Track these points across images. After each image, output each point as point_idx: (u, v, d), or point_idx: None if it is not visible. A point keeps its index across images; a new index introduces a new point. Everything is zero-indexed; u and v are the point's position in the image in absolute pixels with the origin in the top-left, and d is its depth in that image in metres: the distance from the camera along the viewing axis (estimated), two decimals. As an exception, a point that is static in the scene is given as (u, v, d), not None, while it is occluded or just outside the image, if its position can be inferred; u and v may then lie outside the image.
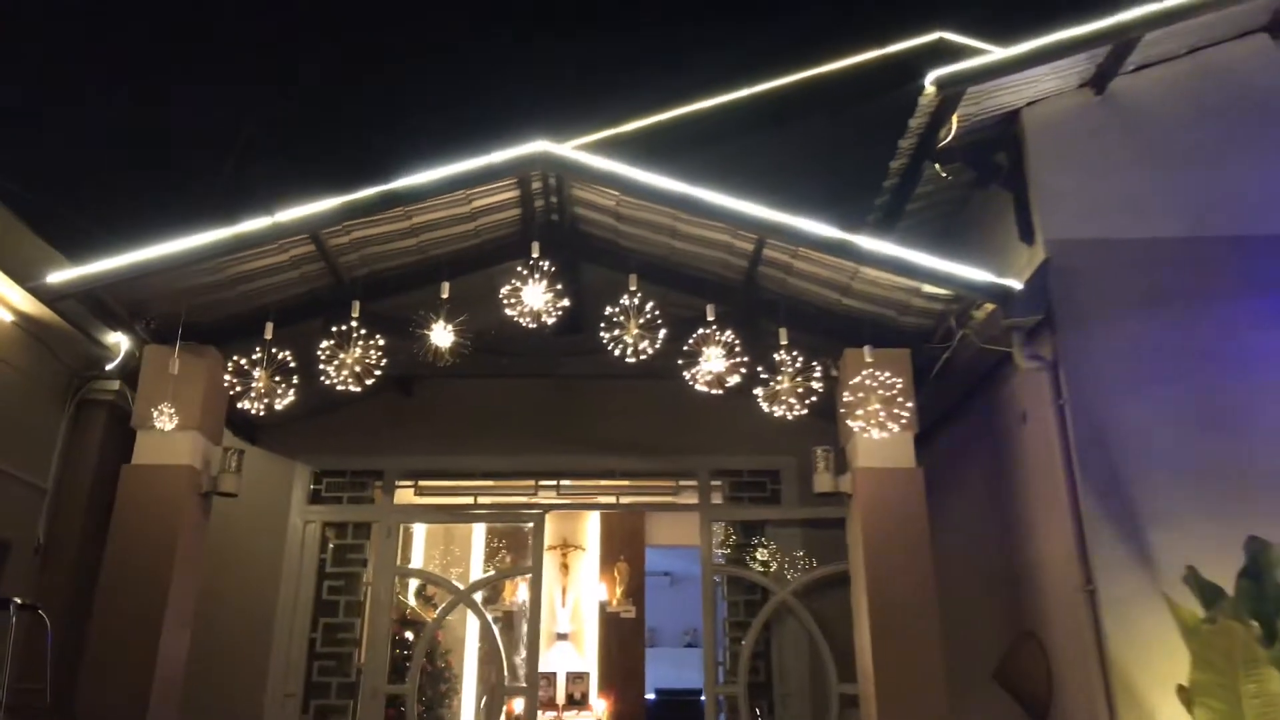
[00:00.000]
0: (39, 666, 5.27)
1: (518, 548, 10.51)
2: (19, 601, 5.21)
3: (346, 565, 7.42)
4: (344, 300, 6.06)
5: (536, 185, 5.90)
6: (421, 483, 7.76)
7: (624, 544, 11.38)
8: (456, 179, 5.44)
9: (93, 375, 7.11)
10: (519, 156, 5.47)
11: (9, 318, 6.38)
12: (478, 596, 8.38)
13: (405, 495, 7.78)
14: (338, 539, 7.48)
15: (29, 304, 6.30)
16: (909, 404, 5.57)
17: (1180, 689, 4.43)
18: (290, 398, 5.32)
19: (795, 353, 5.37)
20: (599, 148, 7.43)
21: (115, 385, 7.08)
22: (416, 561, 9.26)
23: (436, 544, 9.91)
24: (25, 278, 5.97)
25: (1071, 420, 5.31)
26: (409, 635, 8.26)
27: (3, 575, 6.52)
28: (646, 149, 7.83)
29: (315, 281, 6.07)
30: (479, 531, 10.37)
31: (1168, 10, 5.41)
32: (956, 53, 8.22)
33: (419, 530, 9.45)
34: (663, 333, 5.29)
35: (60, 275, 5.30)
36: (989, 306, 5.36)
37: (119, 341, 6.82)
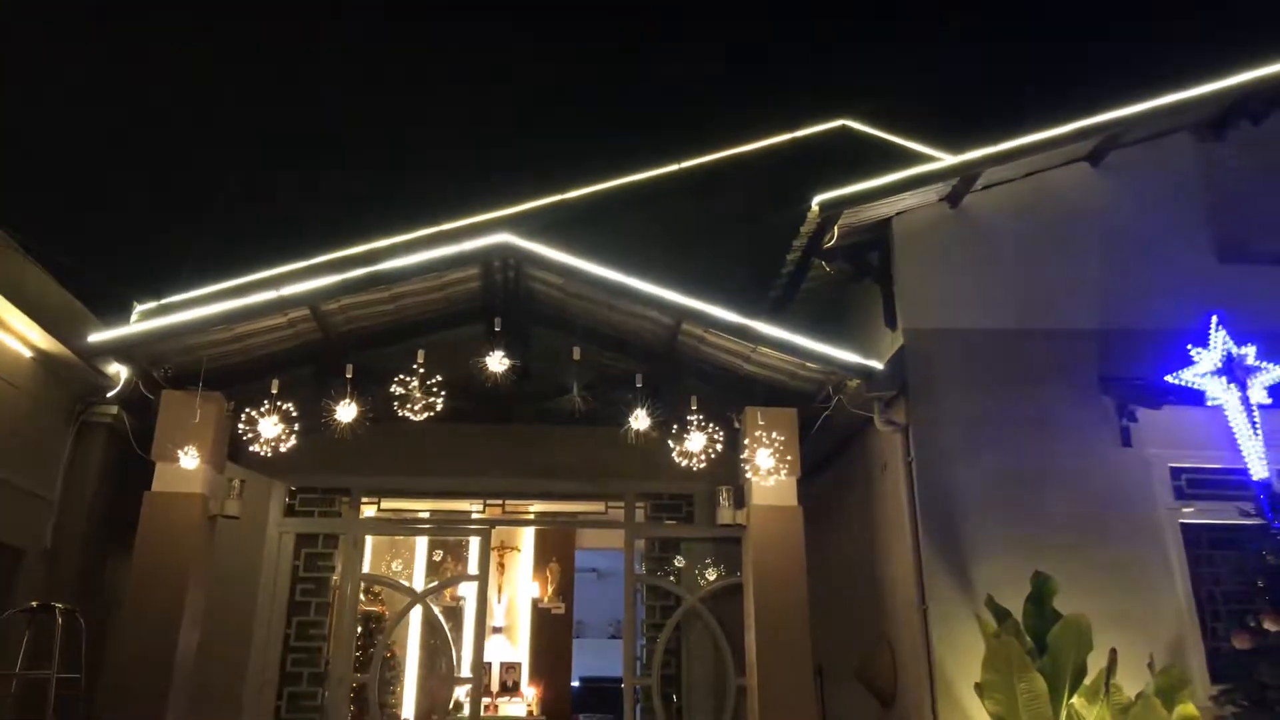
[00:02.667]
0: (74, 660, 6.39)
1: (456, 554, 11.72)
2: (61, 607, 6.34)
3: (317, 571, 8.45)
4: (330, 351, 7.26)
5: (497, 263, 7.12)
6: (383, 500, 8.89)
7: (556, 547, 12.46)
8: (433, 263, 6.65)
9: (94, 401, 8.07)
10: (486, 246, 6.71)
11: (29, 354, 7.38)
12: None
13: (367, 510, 8.88)
14: (309, 548, 8.53)
15: (45, 341, 7.30)
16: (793, 455, 6.95)
17: (977, 685, 5.89)
18: (292, 441, 6.46)
19: (703, 415, 6.73)
20: (550, 212, 8.60)
21: (114, 410, 8.04)
22: (366, 565, 10.34)
23: (384, 551, 10.98)
24: (39, 316, 6.98)
25: (916, 474, 6.76)
26: (357, 629, 9.37)
27: (17, 578, 7.49)
28: (592, 212, 9.05)
29: (306, 336, 7.19)
30: (421, 541, 11.46)
31: (1003, 152, 6.88)
32: (857, 139, 9.68)
33: (368, 538, 10.50)
34: (597, 394, 6.59)
35: (99, 336, 6.39)
36: (856, 381, 6.78)
37: (119, 371, 7.74)
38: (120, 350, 6.49)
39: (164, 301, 8.02)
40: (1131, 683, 5.81)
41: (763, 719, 6.76)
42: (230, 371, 7.12)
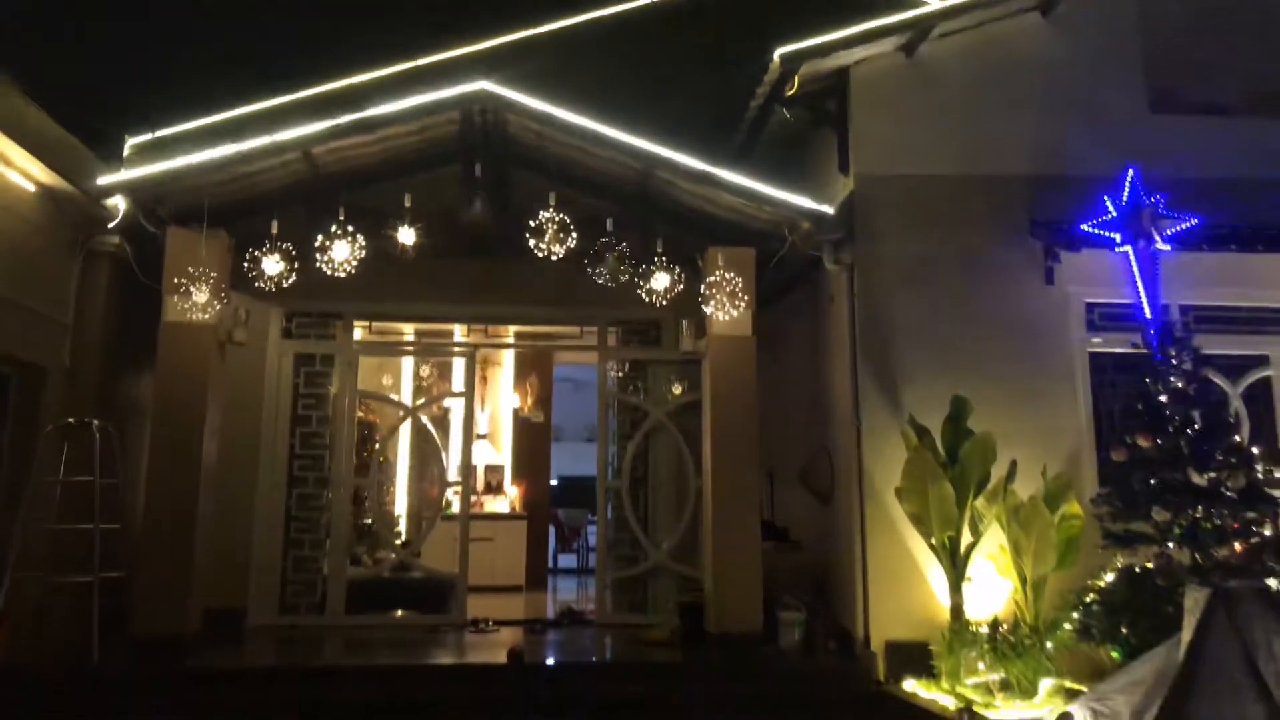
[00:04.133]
0: (109, 468, 7.26)
1: (442, 369, 12.60)
2: (97, 423, 7.14)
3: (316, 388, 9.16)
4: (321, 187, 7.78)
5: (476, 108, 7.52)
6: (374, 323, 9.59)
7: (535, 362, 13.29)
8: (415, 110, 7.09)
9: (96, 231, 8.54)
10: (465, 93, 7.12)
11: (32, 188, 7.80)
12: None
13: (358, 332, 9.57)
14: (307, 367, 9.25)
15: (47, 175, 7.70)
16: (749, 291, 7.67)
17: (897, 490, 6.92)
18: (292, 278, 7.09)
19: (669, 253, 7.39)
20: (526, 56, 8.81)
21: (116, 239, 8.53)
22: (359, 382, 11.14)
23: (374, 368, 11.76)
24: (39, 151, 7.37)
25: (858, 308, 7.53)
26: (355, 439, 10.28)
27: (43, 394, 8.23)
28: (567, 51, 9.25)
29: (299, 174, 7.67)
30: (408, 360, 12.28)
31: (955, 6, 7.23)
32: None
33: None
34: (573, 235, 7.19)
35: (107, 179, 6.89)
36: (809, 224, 7.42)
37: (117, 203, 8.20)
38: (126, 191, 6.98)
39: (159, 134, 8.33)
40: (1028, 488, 6.85)
41: (716, 514, 7.85)
42: (229, 208, 7.63)
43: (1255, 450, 6.51)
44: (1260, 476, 6.24)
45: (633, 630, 8.37)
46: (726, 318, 7.57)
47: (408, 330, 10.34)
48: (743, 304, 7.58)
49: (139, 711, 6.28)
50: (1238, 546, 5.96)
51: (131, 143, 8.59)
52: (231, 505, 8.43)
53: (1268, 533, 6.14)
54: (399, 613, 9.04)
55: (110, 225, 8.27)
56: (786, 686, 7.04)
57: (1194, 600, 5.30)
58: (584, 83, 8.14)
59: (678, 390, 9.22)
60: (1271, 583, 5.82)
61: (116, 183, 6.92)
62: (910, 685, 6.68)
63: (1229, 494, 6.07)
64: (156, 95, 8.93)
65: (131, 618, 7.07)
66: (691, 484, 8.92)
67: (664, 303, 7.52)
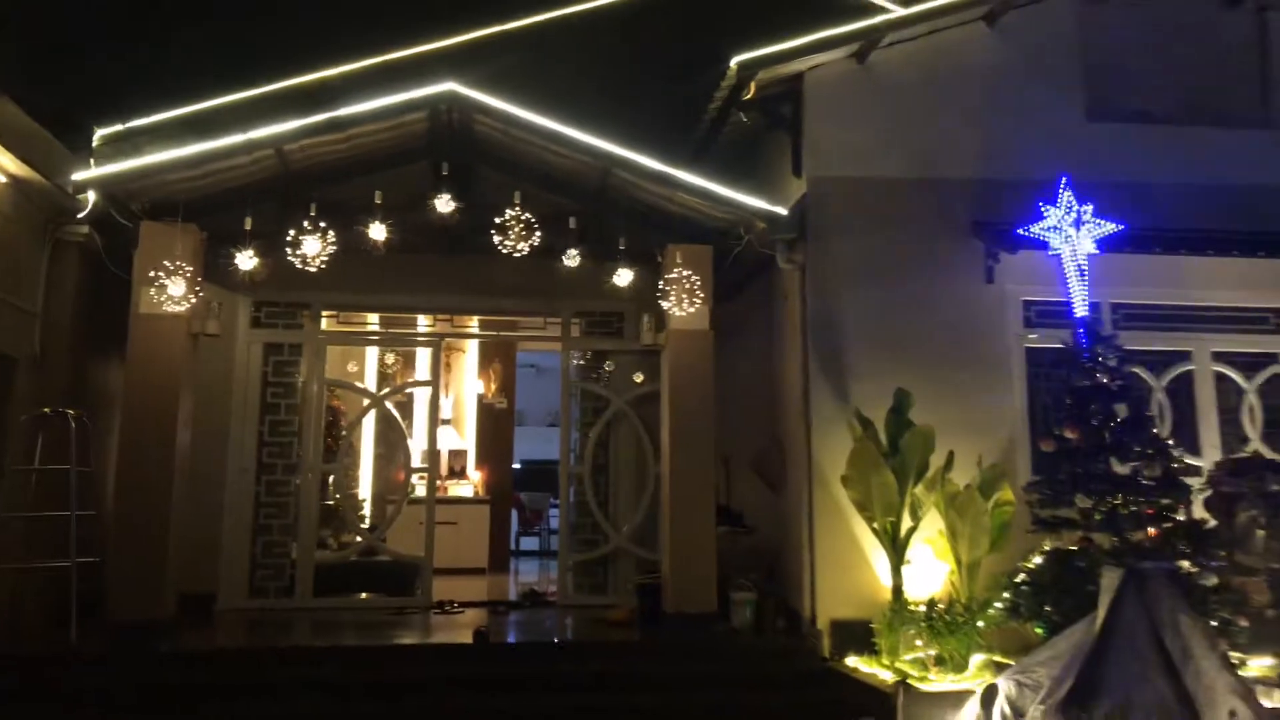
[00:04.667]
0: (84, 456, 7.45)
1: (406, 357, 12.84)
2: (72, 412, 7.32)
3: (285, 376, 9.33)
4: (290, 183, 7.95)
5: (444, 107, 7.76)
6: (341, 313, 9.79)
7: (498, 349, 13.56)
8: (385, 110, 7.31)
9: (64, 221, 8.63)
10: (433, 94, 7.37)
11: (3, 179, 7.89)
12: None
13: (328, 323, 9.76)
14: (276, 356, 9.41)
15: (16, 166, 7.80)
16: (707, 288, 8.00)
17: (843, 478, 7.33)
18: (263, 271, 7.30)
19: (630, 249, 7.72)
20: (493, 58, 9.01)
21: (84, 229, 8.63)
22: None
23: (340, 356, 11.89)
24: (8, 142, 7.45)
25: (809, 305, 7.90)
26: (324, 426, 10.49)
27: (13, 385, 8.35)
28: (535, 48, 9.47)
29: (270, 169, 7.85)
30: (373, 348, 12.45)
31: (905, 17, 7.59)
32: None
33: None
34: (537, 234, 7.47)
35: (82, 174, 7.04)
36: (763, 224, 7.76)
37: (86, 195, 8.31)
38: (99, 187, 7.14)
39: (129, 125, 8.43)
40: (964, 477, 7.28)
41: (673, 498, 8.19)
42: (199, 201, 7.78)
43: (1171, 441, 7.00)
44: (1175, 466, 6.71)
45: (593, 611, 8.74)
46: (684, 313, 7.90)
47: (373, 319, 10.56)
48: (700, 300, 7.90)
49: (117, 693, 6.51)
50: (1152, 531, 6.43)
51: (100, 134, 8.69)
52: (202, 491, 8.58)
53: (1180, 518, 6.63)
54: (365, 595, 9.31)
55: (79, 216, 8.36)
56: (738, 664, 7.44)
57: (1109, 580, 5.76)
58: (550, 83, 8.40)
59: (639, 379, 9.55)
60: (1183, 564, 6.33)
61: (89, 179, 7.07)
62: (853, 661, 7.12)
63: (1146, 482, 6.53)
64: (125, 87, 9.03)
65: (106, 603, 7.27)
66: (651, 470, 9.27)
67: (630, 293, 7.83)
